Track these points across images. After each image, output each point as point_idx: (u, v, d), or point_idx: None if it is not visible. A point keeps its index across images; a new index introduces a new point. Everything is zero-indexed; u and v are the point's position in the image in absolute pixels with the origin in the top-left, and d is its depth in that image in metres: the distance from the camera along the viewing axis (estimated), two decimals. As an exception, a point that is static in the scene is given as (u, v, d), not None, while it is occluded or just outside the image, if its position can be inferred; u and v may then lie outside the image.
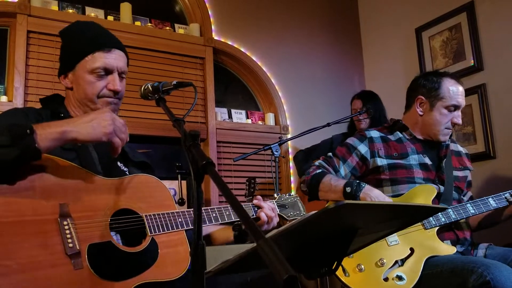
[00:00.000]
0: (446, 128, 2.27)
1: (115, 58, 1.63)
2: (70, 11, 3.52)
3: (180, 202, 1.26)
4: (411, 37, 4.34)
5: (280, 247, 0.77)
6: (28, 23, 3.28)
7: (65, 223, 1.32)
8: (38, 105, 1.73)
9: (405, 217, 1.31)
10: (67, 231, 1.32)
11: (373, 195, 2.08)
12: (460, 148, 2.45)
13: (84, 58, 1.60)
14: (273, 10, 4.49)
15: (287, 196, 1.98)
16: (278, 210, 1.86)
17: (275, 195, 1.96)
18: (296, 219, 1.91)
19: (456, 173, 2.30)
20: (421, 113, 2.32)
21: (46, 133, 1.30)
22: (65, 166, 1.41)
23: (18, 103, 3.14)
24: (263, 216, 1.74)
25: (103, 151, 1.60)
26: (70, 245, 1.31)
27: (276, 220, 1.79)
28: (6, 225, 1.24)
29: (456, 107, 2.26)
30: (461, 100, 2.26)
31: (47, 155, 1.39)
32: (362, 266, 1.97)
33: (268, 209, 1.76)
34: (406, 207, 1.28)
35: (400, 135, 2.35)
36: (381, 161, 2.25)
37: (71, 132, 1.33)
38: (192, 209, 1.35)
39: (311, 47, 4.63)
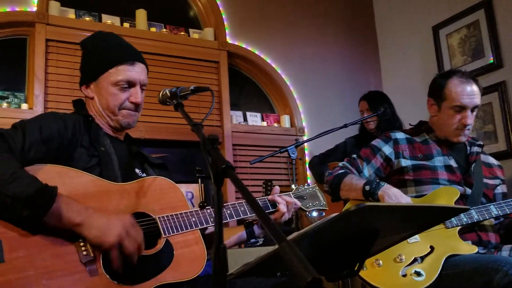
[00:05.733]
0: (456, 129, 2.23)
1: (138, 72, 1.66)
2: (87, 19, 3.57)
3: (201, 206, 1.26)
4: (428, 35, 4.29)
5: (302, 249, 0.77)
6: (46, 31, 3.34)
7: None
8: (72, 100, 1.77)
9: (427, 218, 1.29)
10: (80, 239, 1.34)
11: (391, 193, 2.06)
12: (492, 160, 2.41)
13: (108, 70, 1.63)
14: (286, 11, 4.49)
15: (305, 187, 1.93)
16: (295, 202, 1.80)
17: (292, 186, 1.91)
18: (315, 209, 1.90)
19: (486, 180, 2.27)
20: (433, 115, 2.31)
21: (63, 216, 1.29)
22: (79, 175, 1.43)
23: (39, 110, 3.19)
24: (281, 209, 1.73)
25: (123, 157, 1.64)
26: (84, 252, 1.32)
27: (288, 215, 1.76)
28: (21, 237, 1.26)
29: (462, 108, 2.20)
30: (468, 100, 2.18)
31: (64, 167, 1.42)
32: (380, 261, 1.96)
33: (283, 205, 1.74)
34: (427, 208, 1.26)
35: (426, 136, 2.34)
36: (405, 162, 2.24)
37: (82, 227, 1.31)
38: (199, 207, 1.36)
39: (326, 48, 4.62)
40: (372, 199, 2.08)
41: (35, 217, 1.25)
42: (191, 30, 4.03)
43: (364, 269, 1.94)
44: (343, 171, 2.28)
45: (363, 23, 4.89)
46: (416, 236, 2.03)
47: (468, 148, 2.31)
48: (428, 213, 1.27)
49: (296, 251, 0.76)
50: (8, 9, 3.33)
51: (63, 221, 1.30)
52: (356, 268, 1.24)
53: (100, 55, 1.67)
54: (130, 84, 1.65)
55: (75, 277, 1.28)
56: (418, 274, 1.91)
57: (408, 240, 2.01)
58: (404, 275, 1.92)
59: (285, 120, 4.21)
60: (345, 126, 3.00)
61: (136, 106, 1.68)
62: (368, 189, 2.09)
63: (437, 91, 2.27)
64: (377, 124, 3.52)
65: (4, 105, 3.17)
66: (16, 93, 3.30)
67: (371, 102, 3.63)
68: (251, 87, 4.28)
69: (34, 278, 1.23)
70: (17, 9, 3.36)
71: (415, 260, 1.97)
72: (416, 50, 4.44)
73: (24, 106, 3.25)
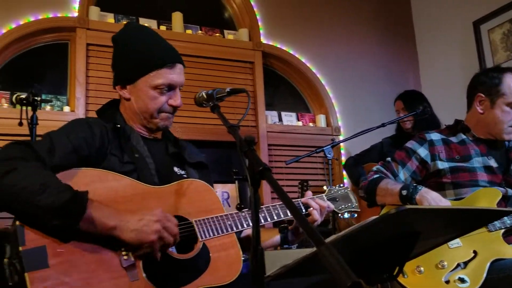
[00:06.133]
0: (510, 126, 2.15)
1: (178, 74, 1.62)
2: (125, 22, 3.65)
3: (239, 208, 1.27)
4: (468, 31, 4.16)
5: (340, 252, 0.77)
6: (87, 36, 3.45)
7: None
8: (96, 111, 1.76)
9: (469, 221, 1.25)
10: (121, 244, 1.35)
11: (430, 197, 2.00)
12: None
13: (148, 73, 1.59)
14: (321, 10, 4.46)
15: (337, 188, 1.91)
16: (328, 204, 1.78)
17: (325, 188, 1.89)
18: (347, 211, 1.88)
19: None
20: (481, 112, 2.21)
21: (96, 221, 1.29)
22: (117, 178, 1.45)
23: (80, 113, 3.30)
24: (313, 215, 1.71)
25: (160, 159, 1.63)
26: (125, 257, 1.34)
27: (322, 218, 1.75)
28: (64, 244, 1.28)
29: None
30: None
31: (102, 170, 1.43)
32: (421, 268, 1.91)
33: (316, 211, 1.72)
34: (470, 211, 1.23)
35: (463, 136, 2.25)
36: (442, 164, 2.17)
37: (117, 230, 1.32)
38: (236, 209, 1.35)
39: (362, 46, 4.55)
40: (410, 204, 2.03)
41: (67, 226, 1.26)
42: (226, 31, 4.07)
43: (405, 276, 1.89)
44: (378, 175, 2.22)
45: (400, 20, 4.79)
46: (458, 241, 1.96)
47: (507, 143, 2.22)
48: (471, 216, 1.23)
49: (335, 254, 0.76)
50: (50, 15, 3.45)
51: (97, 227, 1.30)
52: (395, 272, 1.21)
53: (139, 56, 1.61)
54: (170, 87, 1.61)
55: (117, 281, 1.30)
56: (462, 280, 1.85)
57: (450, 245, 1.95)
58: (447, 282, 1.87)
59: (321, 120, 4.18)
60: (383, 125, 2.95)
61: (175, 109, 1.65)
62: (405, 193, 2.04)
63: (492, 87, 2.18)
64: (414, 123, 3.45)
65: (48, 108, 3.29)
66: (59, 96, 3.42)
67: (406, 101, 3.57)
68: (286, 87, 4.27)
69: (78, 283, 1.25)
70: (59, 15, 3.48)
71: (458, 265, 1.91)
72: (456, 46, 4.31)
73: (67, 108, 3.36)
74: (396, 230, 1.08)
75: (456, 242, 1.96)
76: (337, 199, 1.87)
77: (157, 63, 1.59)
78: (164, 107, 1.62)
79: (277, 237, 1.79)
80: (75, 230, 1.27)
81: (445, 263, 1.90)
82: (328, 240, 0.96)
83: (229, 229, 1.54)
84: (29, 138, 2.51)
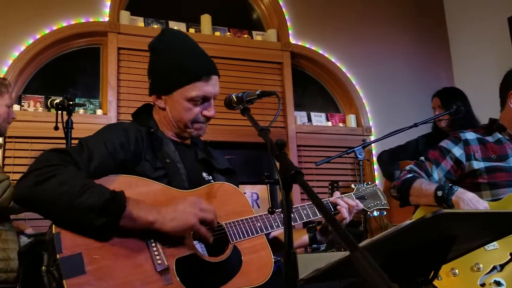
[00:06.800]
0: None
1: (213, 85, 1.64)
2: (155, 26, 3.72)
3: (271, 212, 1.27)
4: (503, 28, 4.04)
5: (373, 256, 0.76)
6: (118, 40, 3.52)
7: (151, 241, 1.37)
8: (130, 117, 1.79)
9: (507, 224, 1.21)
10: (154, 248, 1.37)
11: (466, 198, 1.95)
12: None
13: (184, 86, 1.60)
14: (350, 9, 4.41)
15: (365, 186, 1.88)
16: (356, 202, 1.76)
17: (353, 186, 1.87)
18: (376, 209, 1.85)
19: None
20: None
21: (136, 217, 1.33)
22: (148, 184, 1.47)
23: (112, 115, 3.37)
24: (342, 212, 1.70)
25: (190, 165, 1.65)
26: (159, 261, 1.35)
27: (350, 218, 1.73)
28: (99, 249, 1.31)
29: None
30: None
31: (133, 176, 1.46)
32: (456, 271, 1.87)
33: (345, 209, 1.70)
34: (508, 215, 1.19)
35: (499, 135, 2.19)
36: (477, 164, 2.11)
37: (157, 224, 1.35)
38: (268, 213, 1.36)
39: (393, 44, 4.48)
40: (445, 205, 1.98)
41: (109, 224, 1.29)
42: (254, 32, 4.07)
43: (439, 279, 1.85)
44: (411, 175, 2.18)
45: (432, 18, 4.69)
46: (495, 243, 1.91)
47: None
48: (509, 219, 1.19)
49: (369, 259, 0.75)
50: (82, 20, 3.54)
51: (137, 223, 1.33)
52: (431, 276, 1.19)
53: (175, 68, 1.62)
54: (205, 99, 1.63)
55: (152, 286, 1.31)
56: (498, 283, 1.80)
57: (486, 247, 1.90)
58: (483, 285, 1.82)
59: (351, 120, 4.13)
60: (415, 125, 2.89)
61: (209, 119, 1.66)
62: (440, 194, 1.99)
63: None
64: (451, 122, 3.36)
65: (81, 111, 3.37)
66: (91, 100, 3.50)
67: (444, 98, 3.46)
68: (315, 87, 4.25)
69: None
70: (91, 19, 3.56)
71: (494, 268, 1.86)
72: (490, 43, 4.19)
73: (99, 111, 3.44)
74: (432, 234, 1.06)
75: (492, 245, 1.91)
76: (366, 197, 1.85)
77: (193, 76, 1.61)
78: (198, 117, 1.64)
79: (305, 237, 1.78)
80: (116, 228, 1.31)
81: (481, 265, 1.86)
82: (361, 244, 0.94)
83: (259, 231, 1.55)
84: (64, 141, 2.57)
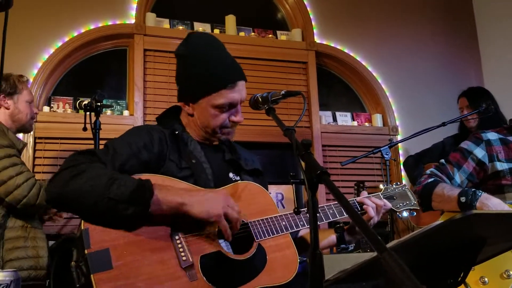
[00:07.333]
0: None
1: (239, 92, 1.63)
2: (180, 27, 3.75)
3: (296, 212, 1.26)
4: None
5: (401, 257, 0.74)
6: (144, 42, 3.57)
7: (176, 237, 1.40)
8: (155, 118, 1.80)
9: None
10: (179, 245, 1.39)
11: (491, 204, 1.89)
12: None
13: (211, 94, 1.60)
14: (375, 7, 4.36)
15: (394, 186, 1.85)
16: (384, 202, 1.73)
17: (381, 186, 1.84)
18: (405, 209, 1.81)
19: None
20: None
21: (164, 201, 1.36)
22: (174, 183, 1.48)
23: (139, 116, 3.42)
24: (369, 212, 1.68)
25: (217, 165, 1.66)
26: (184, 258, 1.37)
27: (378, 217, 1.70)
28: (126, 245, 1.34)
29: None
30: None
31: (159, 175, 1.48)
32: (486, 279, 1.81)
33: (372, 208, 1.68)
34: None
35: None
36: (501, 165, 2.05)
37: (186, 206, 1.37)
38: (293, 213, 1.35)
39: (420, 43, 4.40)
40: None
41: (139, 212, 1.32)
42: (278, 32, 4.07)
43: None
44: (432, 179, 2.11)
45: (461, 16, 4.59)
46: (523, 248, 1.85)
47: None
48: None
49: (397, 261, 0.74)
50: (109, 23, 3.60)
51: (165, 207, 1.36)
52: (460, 278, 1.16)
53: (201, 77, 1.62)
54: (232, 105, 1.63)
55: (177, 282, 1.33)
56: None
57: (514, 253, 1.84)
58: None
59: (377, 119, 4.08)
60: (443, 124, 2.84)
61: (236, 124, 1.67)
62: (464, 200, 1.94)
63: None
64: (479, 122, 3.28)
65: (108, 112, 3.43)
66: (118, 101, 3.56)
67: (471, 98, 3.39)
68: (340, 86, 4.21)
69: (140, 283, 1.29)
70: (118, 22, 3.62)
71: (524, 275, 1.80)
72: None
73: (126, 112, 3.50)
74: (461, 235, 1.03)
75: (520, 250, 1.85)
76: (395, 197, 1.81)
77: (219, 84, 1.61)
78: (226, 123, 1.65)
79: (332, 237, 1.77)
80: (146, 215, 1.33)
81: (511, 272, 1.80)
82: (389, 245, 0.93)
83: (284, 230, 1.55)
84: (92, 142, 2.62)
